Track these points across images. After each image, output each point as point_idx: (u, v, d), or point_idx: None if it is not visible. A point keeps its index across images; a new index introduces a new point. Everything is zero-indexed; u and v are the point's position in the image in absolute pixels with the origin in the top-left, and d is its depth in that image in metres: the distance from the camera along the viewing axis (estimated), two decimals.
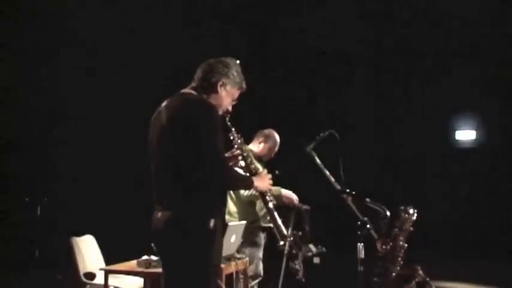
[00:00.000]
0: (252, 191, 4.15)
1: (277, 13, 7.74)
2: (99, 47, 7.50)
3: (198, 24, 7.49)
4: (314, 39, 7.69)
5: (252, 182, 2.93)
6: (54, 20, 7.65)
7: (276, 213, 3.10)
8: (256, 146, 4.56)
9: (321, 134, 3.75)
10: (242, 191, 4.24)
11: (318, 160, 3.75)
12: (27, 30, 7.58)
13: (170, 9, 7.48)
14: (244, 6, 7.56)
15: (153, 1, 7.52)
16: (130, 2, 7.53)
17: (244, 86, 3.00)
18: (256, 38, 7.64)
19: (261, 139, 4.59)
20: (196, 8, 7.57)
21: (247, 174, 3.05)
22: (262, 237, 4.49)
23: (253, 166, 3.12)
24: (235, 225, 4.01)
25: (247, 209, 4.36)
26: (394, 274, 3.68)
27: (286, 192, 4.37)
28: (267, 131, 4.64)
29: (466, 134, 8.81)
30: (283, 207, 4.19)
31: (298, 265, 3.95)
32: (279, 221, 3.07)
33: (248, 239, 4.30)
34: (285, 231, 3.04)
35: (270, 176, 3.04)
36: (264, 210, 4.20)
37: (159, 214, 2.73)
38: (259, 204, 4.37)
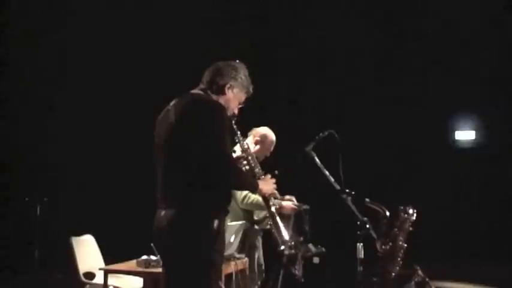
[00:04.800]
0: (253, 199, 4.15)
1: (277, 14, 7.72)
2: (105, 45, 7.48)
3: (205, 25, 7.46)
4: (313, 36, 7.68)
5: (258, 185, 2.93)
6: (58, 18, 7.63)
7: (278, 218, 3.08)
8: (251, 146, 4.36)
9: (321, 134, 3.75)
10: (240, 198, 4.21)
11: (317, 160, 3.75)
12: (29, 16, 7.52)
13: (178, 9, 7.45)
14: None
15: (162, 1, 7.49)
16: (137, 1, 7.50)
17: (251, 90, 3.04)
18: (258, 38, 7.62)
19: (257, 139, 4.45)
20: (204, 9, 7.54)
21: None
22: (260, 239, 4.49)
23: (257, 170, 3.12)
24: (235, 225, 4.01)
25: (242, 211, 4.31)
26: (393, 274, 3.69)
27: (285, 204, 4.28)
28: (263, 131, 4.50)
29: (465, 134, 8.81)
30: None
31: (297, 270, 3.95)
32: (281, 226, 3.05)
33: (247, 242, 4.29)
34: (286, 237, 3.01)
35: (274, 180, 3.05)
36: (264, 212, 4.21)
37: (163, 212, 2.72)
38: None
